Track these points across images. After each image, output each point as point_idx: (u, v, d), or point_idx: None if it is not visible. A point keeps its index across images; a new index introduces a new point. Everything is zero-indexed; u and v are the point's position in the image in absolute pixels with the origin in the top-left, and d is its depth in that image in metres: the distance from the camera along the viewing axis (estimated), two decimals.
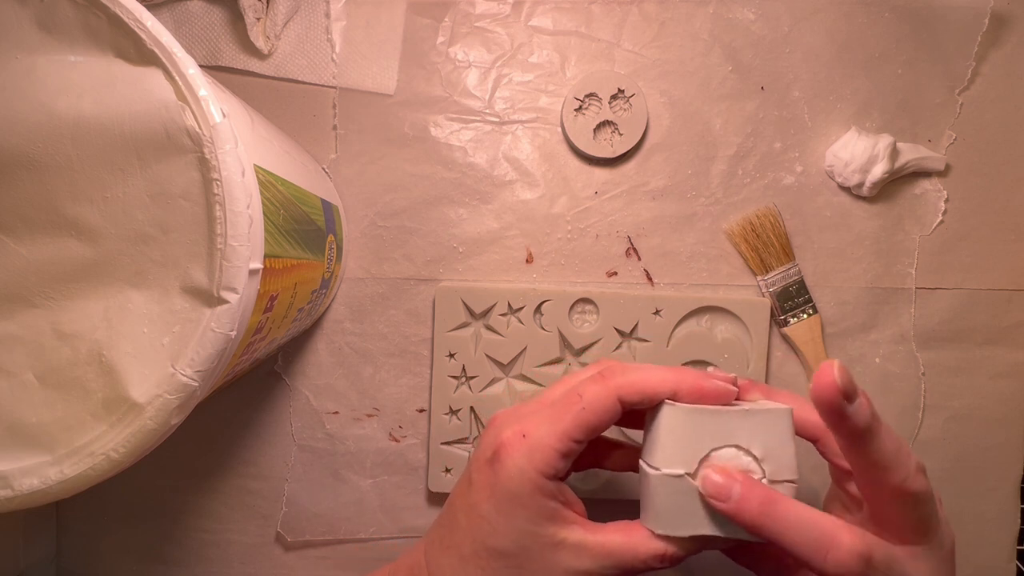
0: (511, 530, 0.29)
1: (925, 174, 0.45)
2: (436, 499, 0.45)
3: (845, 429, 0.25)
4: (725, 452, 0.28)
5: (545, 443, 0.29)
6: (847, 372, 0.25)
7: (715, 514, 0.28)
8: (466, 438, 0.44)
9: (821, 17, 0.44)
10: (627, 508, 0.45)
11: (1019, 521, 0.45)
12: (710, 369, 0.33)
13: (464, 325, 0.44)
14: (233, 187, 0.24)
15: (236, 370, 0.31)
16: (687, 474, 0.28)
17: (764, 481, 0.28)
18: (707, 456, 0.28)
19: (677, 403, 0.29)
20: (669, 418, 0.29)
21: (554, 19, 0.45)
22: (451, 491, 0.32)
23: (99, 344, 0.24)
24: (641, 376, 0.29)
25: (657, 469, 0.28)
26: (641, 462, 0.30)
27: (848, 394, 0.24)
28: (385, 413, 0.45)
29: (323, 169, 0.44)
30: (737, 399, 0.31)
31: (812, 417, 0.31)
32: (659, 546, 0.29)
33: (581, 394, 0.29)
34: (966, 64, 0.44)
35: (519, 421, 0.30)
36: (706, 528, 0.28)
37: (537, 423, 0.29)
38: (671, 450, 0.28)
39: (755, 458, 0.28)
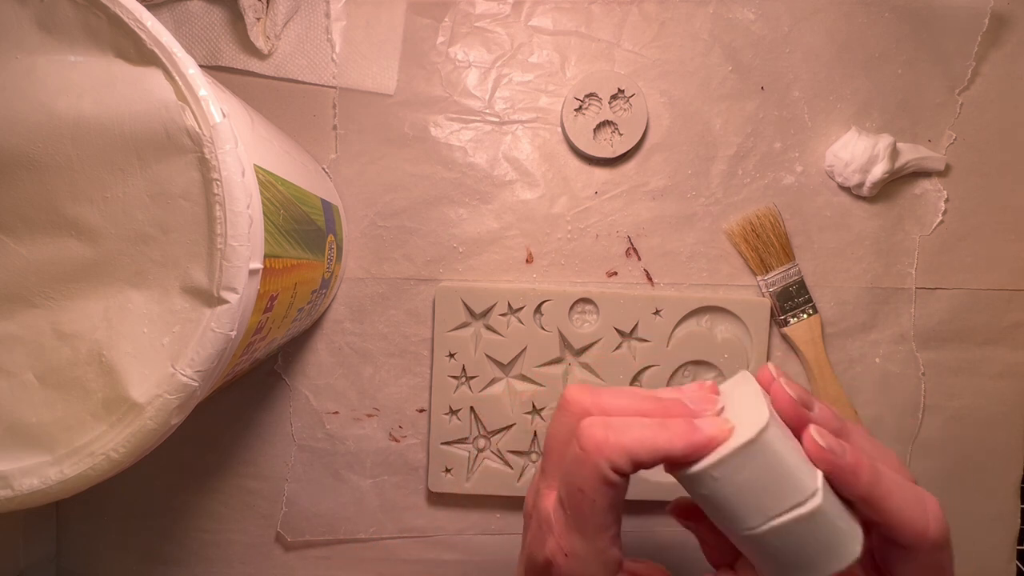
0: None
1: (925, 174, 0.45)
2: (436, 499, 0.45)
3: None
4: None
5: (586, 555, 0.25)
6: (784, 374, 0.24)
7: (833, 537, 0.23)
8: (466, 438, 0.44)
9: (821, 17, 0.44)
10: (627, 508, 0.45)
11: (1019, 521, 0.45)
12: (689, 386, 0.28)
13: (464, 325, 0.44)
14: (233, 187, 0.24)
15: (236, 370, 0.31)
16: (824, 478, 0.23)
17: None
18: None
19: (767, 427, 0.23)
20: (776, 443, 0.23)
21: (554, 19, 0.45)
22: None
23: (99, 344, 0.24)
24: (624, 438, 0.24)
25: (815, 492, 0.23)
26: (772, 523, 0.23)
27: (805, 402, 0.23)
28: (385, 413, 0.45)
29: (323, 169, 0.44)
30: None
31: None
32: None
33: (582, 489, 0.25)
34: (966, 64, 0.44)
35: (550, 535, 0.26)
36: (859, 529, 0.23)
37: (568, 536, 0.25)
38: (806, 468, 0.23)
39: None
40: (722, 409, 0.25)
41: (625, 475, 0.24)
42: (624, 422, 0.25)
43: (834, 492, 0.23)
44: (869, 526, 0.24)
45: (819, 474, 0.23)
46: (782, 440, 0.23)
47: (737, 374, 0.27)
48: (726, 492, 0.23)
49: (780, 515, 0.22)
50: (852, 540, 0.23)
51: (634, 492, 0.44)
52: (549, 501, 0.26)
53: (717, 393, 0.26)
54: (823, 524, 0.22)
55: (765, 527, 0.23)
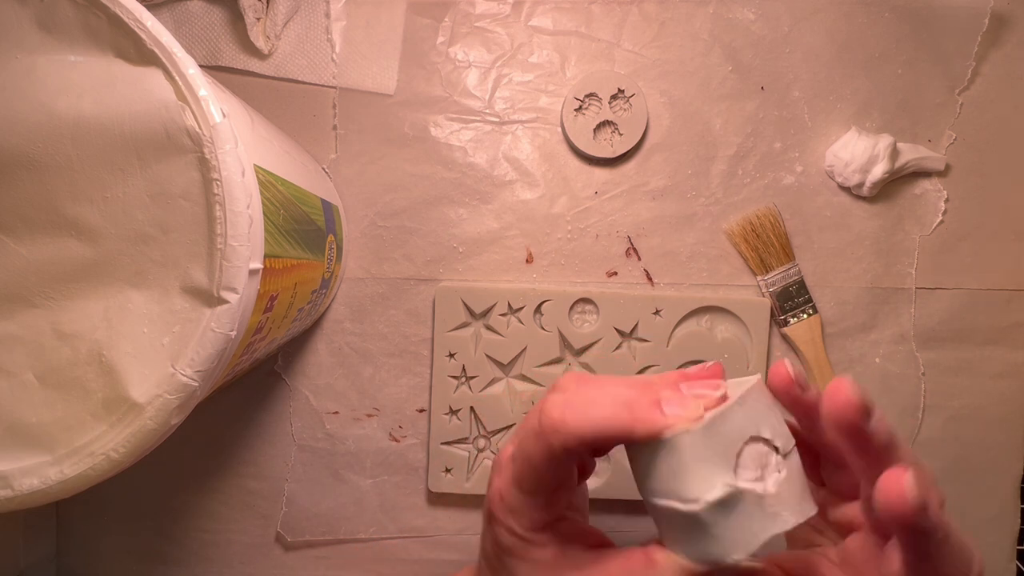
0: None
1: (925, 174, 0.45)
2: (436, 499, 0.45)
3: (867, 448, 0.23)
4: (749, 450, 0.25)
5: (515, 504, 0.26)
6: (860, 387, 0.23)
7: (776, 507, 0.25)
8: (466, 438, 0.44)
9: (821, 17, 0.44)
10: (627, 507, 0.45)
11: (1019, 521, 0.45)
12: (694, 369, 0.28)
13: (464, 325, 0.44)
14: (233, 187, 0.24)
15: (236, 370, 0.31)
16: (732, 487, 0.24)
17: (781, 457, 0.26)
18: (737, 461, 0.25)
19: (689, 432, 0.25)
20: (690, 449, 0.25)
21: (554, 19, 0.45)
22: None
23: (99, 344, 0.24)
24: (577, 414, 0.24)
25: (696, 500, 0.24)
26: (662, 503, 0.25)
27: (868, 410, 0.22)
28: (385, 413, 0.45)
29: (323, 169, 0.44)
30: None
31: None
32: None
33: (527, 453, 0.25)
34: (966, 64, 0.44)
35: (499, 475, 0.27)
36: (771, 528, 0.25)
37: (508, 482, 0.27)
38: (703, 479, 0.24)
39: (767, 441, 0.26)
40: (724, 396, 0.26)
41: (573, 454, 0.25)
42: (585, 404, 0.25)
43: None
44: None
45: (718, 489, 0.24)
46: (704, 446, 0.24)
47: (752, 377, 0.27)
48: (639, 464, 0.26)
49: (665, 502, 0.25)
50: (729, 549, 0.24)
51: (634, 491, 0.44)
52: (507, 450, 0.27)
53: (721, 376, 0.27)
54: (701, 527, 0.24)
55: (655, 503, 0.25)
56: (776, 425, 0.26)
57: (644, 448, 0.25)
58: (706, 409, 0.25)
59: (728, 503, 0.24)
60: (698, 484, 0.24)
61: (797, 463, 0.26)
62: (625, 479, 0.44)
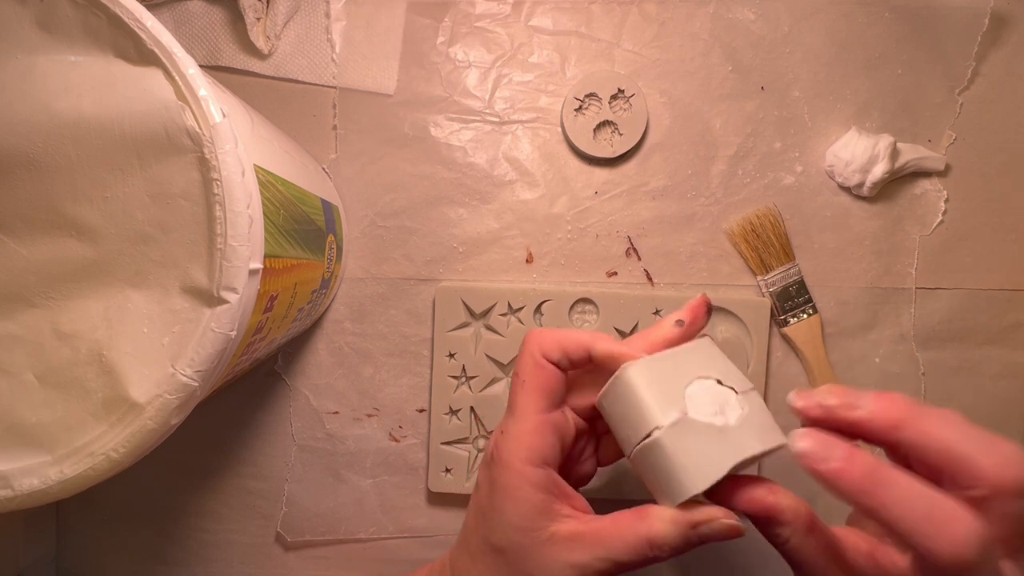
0: (505, 525, 0.29)
1: (925, 174, 0.45)
2: (436, 499, 0.45)
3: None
4: (698, 385, 0.28)
5: (517, 430, 0.30)
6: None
7: (738, 437, 0.27)
8: (466, 438, 0.44)
9: (821, 17, 0.44)
10: (626, 507, 0.45)
11: None
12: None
13: (464, 325, 0.44)
14: (233, 187, 0.24)
15: (236, 370, 0.31)
16: (683, 412, 0.27)
17: (738, 396, 0.28)
18: (687, 394, 0.28)
19: (633, 362, 0.29)
20: (637, 377, 0.28)
21: (554, 19, 0.45)
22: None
23: (99, 344, 0.24)
24: (569, 338, 0.31)
25: (658, 428, 0.27)
26: (636, 449, 0.28)
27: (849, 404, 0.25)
28: (385, 413, 0.45)
29: (323, 169, 0.44)
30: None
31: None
32: (645, 528, 0.27)
33: (518, 373, 0.31)
34: (966, 64, 0.44)
35: (503, 419, 0.32)
36: (735, 455, 0.26)
37: (505, 416, 0.31)
38: (657, 405, 0.27)
39: (719, 381, 0.28)
40: (680, 321, 0.31)
41: (553, 361, 0.30)
42: (564, 331, 0.31)
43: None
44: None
45: (673, 413, 0.27)
46: (651, 377, 0.28)
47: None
48: (611, 420, 0.30)
49: (637, 444, 0.28)
50: (697, 479, 0.26)
51: (634, 491, 0.44)
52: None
53: (707, 305, 0.31)
54: (666, 457, 0.27)
55: (631, 452, 0.28)
56: (728, 370, 0.29)
57: (613, 401, 0.29)
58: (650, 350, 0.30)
59: (686, 430, 0.27)
60: (655, 415, 0.27)
61: (760, 402, 0.29)
62: (625, 479, 0.44)
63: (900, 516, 0.23)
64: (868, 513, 0.23)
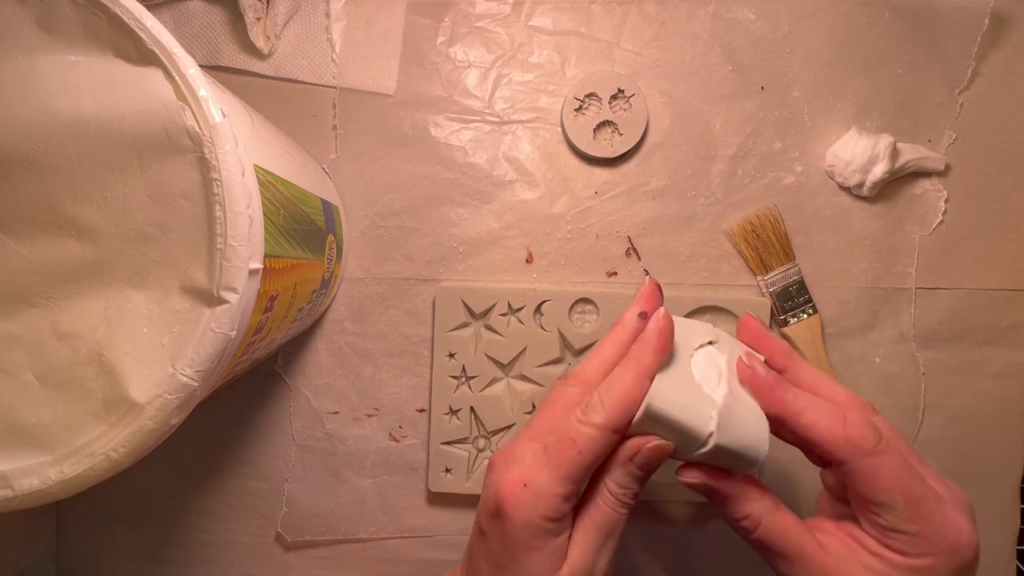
0: (530, 573, 0.28)
1: (925, 174, 0.45)
2: (436, 499, 0.45)
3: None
4: (696, 363, 0.31)
5: (547, 491, 0.28)
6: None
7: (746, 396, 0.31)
8: (466, 438, 0.44)
9: (821, 17, 0.44)
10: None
11: (1019, 521, 0.45)
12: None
13: (464, 325, 0.44)
14: (233, 187, 0.24)
15: (236, 370, 0.31)
16: (718, 408, 0.29)
17: (715, 347, 0.32)
18: (701, 381, 0.31)
19: (652, 393, 0.30)
20: (665, 406, 0.30)
21: (554, 19, 0.45)
22: (469, 538, 0.33)
23: (99, 344, 0.24)
24: (624, 398, 0.29)
25: (711, 434, 0.29)
26: (687, 453, 0.30)
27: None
28: (385, 413, 0.45)
29: (323, 169, 0.44)
30: None
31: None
32: (604, 488, 0.30)
33: (574, 439, 0.29)
34: (966, 64, 0.44)
35: (516, 466, 0.29)
36: (763, 416, 0.30)
37: (536, 470, 0.29)
38: (698, 419, 0.29)
39: (699, 345, 0.32)
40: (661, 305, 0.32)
41: (619, 433, 0.29)
42: (608, 383, 0.30)
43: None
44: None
45: (713, 414, 0.29)
46: (672, 395, 0.29)
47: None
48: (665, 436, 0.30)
49: (696, 452, 0.29)
50: (758, 448, 0.29)
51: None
52: (528, 446, 0.30)
53: (659, 287, 0.33)
54: (728, 450, 0.29)
55: (692, 457, 0.30)
56: (691, 329, 0.33)
57: (651, 428, 0.30)
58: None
59: (728, 420, 0.29)
60: (700, 428, 0.29)
61: (729, 342, 0.33)
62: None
63: (811, 420, 0.29)
64: (782, 421, 0.30)
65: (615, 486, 0.30)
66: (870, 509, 0.28)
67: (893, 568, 0.28)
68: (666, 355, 0.30)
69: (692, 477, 0.30)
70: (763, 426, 0.30)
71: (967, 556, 0.28)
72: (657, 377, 0.29)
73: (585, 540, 0.29)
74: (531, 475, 0.29)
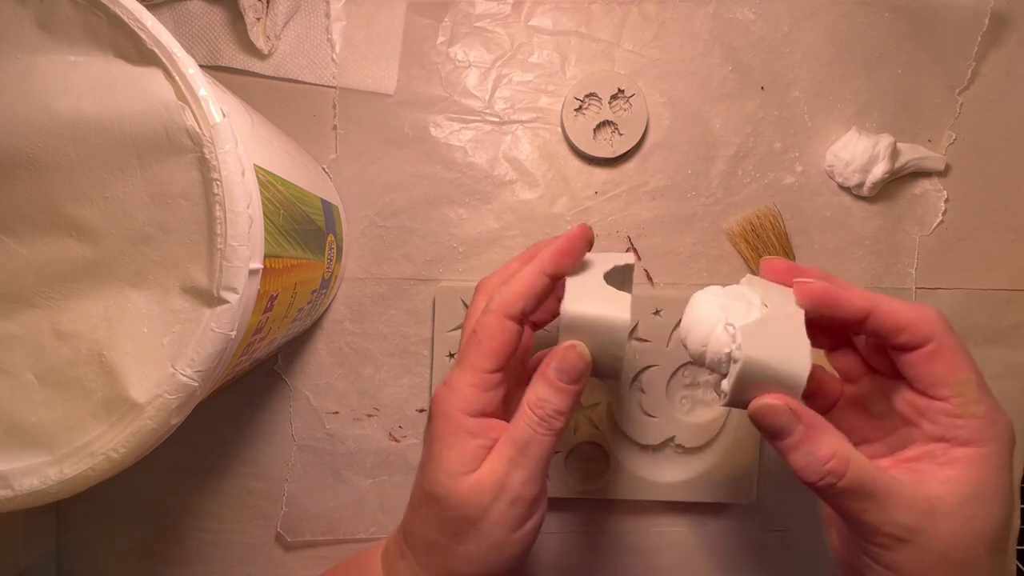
0: (440, 472, 0.30)
1: (925, 174, 0.45)
2: None
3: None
4: (733, 290, 0.31)
5: (460, 382, 0.30)
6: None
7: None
8: None
9: (821, 17, 0.44)
10: (627, 507, 0.45)
11: (1019, 521, 0.45)
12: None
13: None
14: (233, 187, 0.24)
15: (236, 370, 0.31)
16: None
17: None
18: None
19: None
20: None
21: (554, 19, 0.45)
22: None
23: (99, 344, 0.24)
24: (517, 287, 0.30)
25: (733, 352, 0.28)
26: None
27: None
28: (385, 413, 0.45)
29: (323, 169, 0.44)
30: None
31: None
32: (527, 405, 0.30)
33: (475, 330, 0.31)
34: (966, 64, 0.44)
35: (450, 372, 0.32)
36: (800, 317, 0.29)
37: (453, 371, 0.31)
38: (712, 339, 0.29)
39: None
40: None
41: (514, 317, 0.30)
42: (521, 281, 0.31)
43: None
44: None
45: (733, 334, 0.28)
46: (589, 300, 0.30)
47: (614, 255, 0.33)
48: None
49: (727, 369, 0.28)
50: (798, 361, 0.27)
51: (634, 492, 0.44)
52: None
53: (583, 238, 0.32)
54: (760, 367, 0.27)
55: (729, 393, 0.28)
56: (605, 256, 0.33)
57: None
58: None
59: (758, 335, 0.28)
60: (712, 349, 0.29)
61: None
62: (625, 479, 0.44)
63: (895, 307, 0.28)
64: (871, 312, 0.28)
65: (533, 396, 0.30)
66: (942, 395, 0.28)
67: (967, 466, 0.27)
68: (570, 259, 0.31)
69: (773, 398, 0.27)
70: (803, 343, 0.27)
71: (1013, 435, 0.28)
72: (570, 284, 0.30)
73: (499, 453, 0.29)
74: (449, 376, 0.31)
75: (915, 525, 0.26)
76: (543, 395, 0.30)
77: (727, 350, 0.28)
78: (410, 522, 0.32)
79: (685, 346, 0.30)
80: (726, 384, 0.28)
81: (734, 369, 0.27)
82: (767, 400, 0.27)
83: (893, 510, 0.26)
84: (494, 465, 0.29)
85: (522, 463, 0.29)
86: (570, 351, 0.30)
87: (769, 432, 0.27)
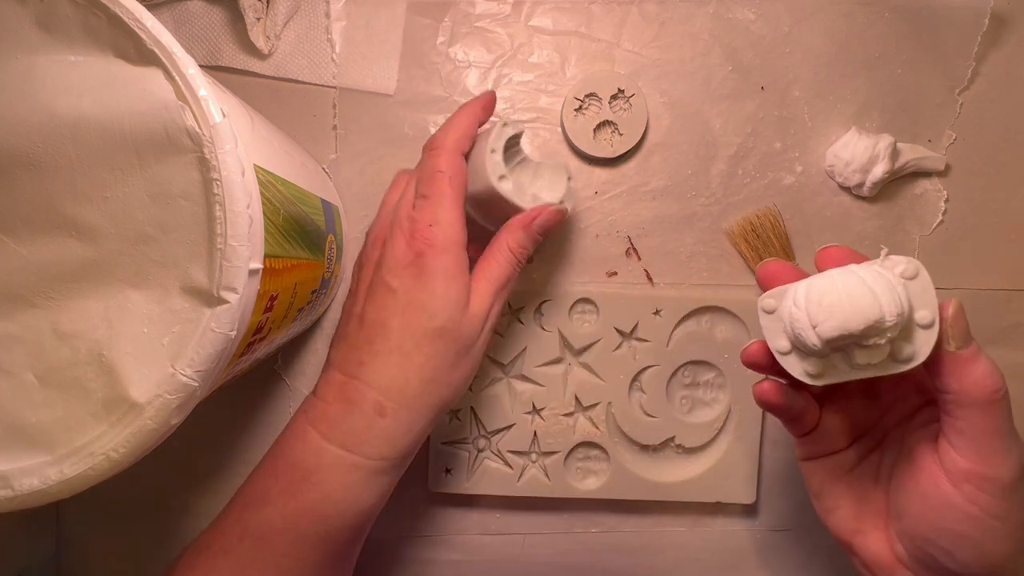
0: (448, 306, 0.33)
1: (925, 174, 0.45)
2: (436, 499, 0.45)
3: None
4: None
5: (450, 218, 0.33)
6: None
7: None
8: (466, 438, 0.44)
9: (821, 17, 0.44)
10: (627, 507, 0.45)
11: None
12: None
13: None
14: (233, 187, 0.24)
15: (236, 370, 0.31)
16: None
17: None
18: None
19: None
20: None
21: (554, 19, 0.45)
22: (355, 310, 0.35)
23: (99, 344, 0.24)
24: (464, 131, 0.36)
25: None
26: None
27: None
28: None
29: (323, 169, 0.44)
30: None
31: None
32: (505, 244, 0.36)
33: (440, 169, 0.34)
34: (966, 64, 0.44)
35: (410, 221, 0.34)
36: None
37: (430, 210, 0.34)
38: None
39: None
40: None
41: (465, 153, 0.36)
42: (458, 125, 0.36)
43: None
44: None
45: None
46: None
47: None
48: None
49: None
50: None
51: (634, 492, 0.44)
52: (405, 204, 0.35)
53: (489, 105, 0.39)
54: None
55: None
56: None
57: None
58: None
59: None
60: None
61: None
62: (625, 479, 0.44)
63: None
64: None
65: (515, 243, 0.35)
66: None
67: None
68: (487, 114, 0.38)
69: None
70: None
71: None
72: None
73: (486, 288, 0.34)
74: (428, 216, 0.33)
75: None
76: (524, 243, 0.35)
77: (899, 311, 0.28)
78: (401, 369, 0.32)
79: (822, 335, 0.28)
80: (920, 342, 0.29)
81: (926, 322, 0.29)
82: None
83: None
84: (481, 297, 0.34)
85: (501, 296, 0.35)
86: (559, 214, 0.36)
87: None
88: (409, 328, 0.32)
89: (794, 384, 0.32)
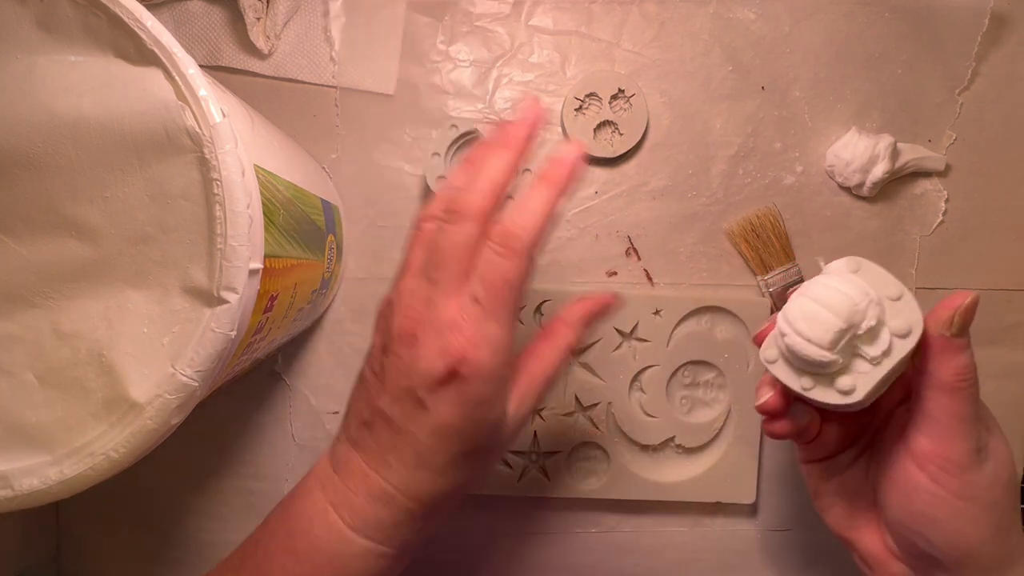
0: (488, 430, 0.29)
1: (925, 174, 0.45)
2: None
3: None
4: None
5: (502, 341, 0.28)
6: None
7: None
8: None
9: (821, 17, 0.44)
10: (627, 507, 0.45)
11: (1019, 521, 0.45)
12: None
13: None
14: (233, 187, 0.24)
15: (236, 370, 0.31)
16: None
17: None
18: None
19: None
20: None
21: (554, 19, 0.45)
22: (379, 404, 0.29)
23: (99, 344, 0.24)
24: (538, 221, 0.29)
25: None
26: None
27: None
28: None
29: (323, 169, 0.44)
30: None
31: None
32: (557, 350, 0.32)
33: (504, 277, 0.28)
34: (966, 64, 0.44)
35: (456, 329, 0.28)
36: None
37: (482, 325, 0.28)
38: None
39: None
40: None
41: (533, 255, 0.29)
42: (519, 209, 0.29)
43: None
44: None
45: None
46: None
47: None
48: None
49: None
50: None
51: (634, 492, 0.44)
52: (454, 304, 0.28)
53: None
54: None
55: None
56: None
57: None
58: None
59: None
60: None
61: None
62: (625, 479, 0.44)
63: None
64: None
65: (576, 342, 0.33)
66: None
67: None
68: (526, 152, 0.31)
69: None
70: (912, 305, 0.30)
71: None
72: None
73: (533, 390, 0.31)
74: (481, 335, 0.28)
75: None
76: (583, 336, 0.33)
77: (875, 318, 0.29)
78: (434, 485, 0.30)
79: (807, 340, 0.29)
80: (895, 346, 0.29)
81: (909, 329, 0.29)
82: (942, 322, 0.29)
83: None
84: (526, 399, 0.31)
85: (543, 394, 0.32)
86: (613, 301, 0.34)
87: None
88: (442, 450, 0.29)
89: (799, 401, 0.33)
